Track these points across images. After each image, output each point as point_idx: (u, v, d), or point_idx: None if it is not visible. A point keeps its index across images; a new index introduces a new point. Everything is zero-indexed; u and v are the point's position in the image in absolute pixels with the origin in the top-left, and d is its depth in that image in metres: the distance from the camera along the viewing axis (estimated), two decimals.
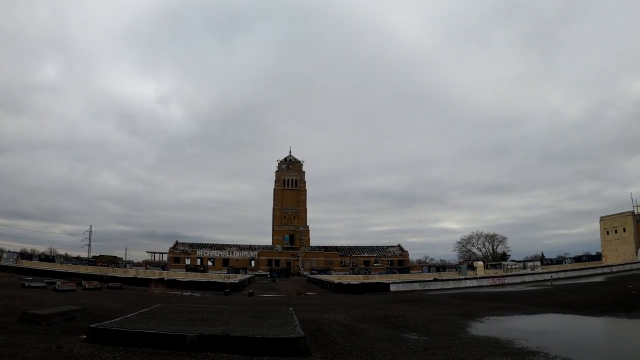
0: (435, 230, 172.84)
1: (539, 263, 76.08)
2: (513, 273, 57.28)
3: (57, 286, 23.47)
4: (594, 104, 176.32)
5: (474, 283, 42.71)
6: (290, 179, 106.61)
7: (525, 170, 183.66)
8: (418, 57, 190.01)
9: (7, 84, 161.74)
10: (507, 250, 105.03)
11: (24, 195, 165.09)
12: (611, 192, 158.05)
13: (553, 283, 37.43)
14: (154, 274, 51.91)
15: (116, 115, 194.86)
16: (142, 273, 52.86)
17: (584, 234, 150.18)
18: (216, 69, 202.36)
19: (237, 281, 32.71)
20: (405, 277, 54.19)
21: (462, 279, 43.04)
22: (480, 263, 75.25)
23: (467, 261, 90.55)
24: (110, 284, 27.90)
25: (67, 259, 69.23)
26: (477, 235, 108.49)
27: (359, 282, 34.58)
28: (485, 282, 43.66)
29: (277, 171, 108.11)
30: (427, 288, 38.44)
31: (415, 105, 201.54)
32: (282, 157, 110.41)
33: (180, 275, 49.00)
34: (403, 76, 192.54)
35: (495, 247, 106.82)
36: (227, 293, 27.88)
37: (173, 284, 30.15)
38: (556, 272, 49.66)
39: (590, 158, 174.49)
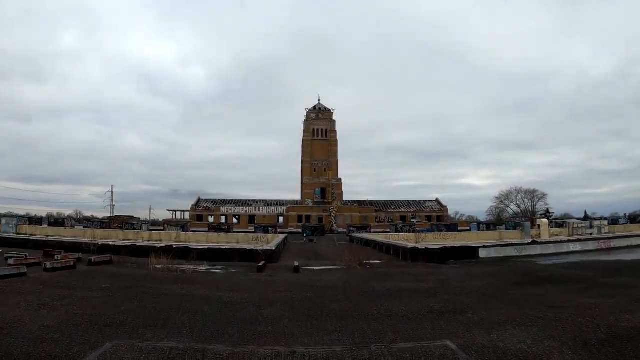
0: (458, 186, 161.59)
1: (605, 222, 65.63)
2: (580, 234, 48.08)
3: None
4: (621, 60, 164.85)
5: (578, 247, 32.61)
6: (320, 129, 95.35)
7: (550, 127, 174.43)
8: (440, 11, 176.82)
9: (29, 53, 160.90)
10: (550, 208, 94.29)
11: (51, 161, 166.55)
12: (638, 152, 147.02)
13: None
14: (170, 236, 43.89)
15: (138, 78, 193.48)
16: (156, 235, 44.92)
17: (608, 194, 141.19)
18: (235, 27, 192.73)
19: (273, 247, 23.29)
20: (474, 237, 44.04)
21: (563, 242, 32.72)
22: (545, 221, 64.52)
23: (516, 218, 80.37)
24: (93, 259, 19.08)
25: (78, 220, 62.70)
26: (515, 190, 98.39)
27: (440, 247, 24.73)
28: (590, 246, 33.61)
29: (305, 121, 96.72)
30: (523, 253, 28.79)
31: (438, 60, 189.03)
32: (308, 108, 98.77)
33: (196, 237, 40.39)
34: (425, 31, 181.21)
35: (535, 203, 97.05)
36: (260, 269, 18.56)
37: (185, 253, 21.26)
38: None
39: (616, 116, 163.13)
